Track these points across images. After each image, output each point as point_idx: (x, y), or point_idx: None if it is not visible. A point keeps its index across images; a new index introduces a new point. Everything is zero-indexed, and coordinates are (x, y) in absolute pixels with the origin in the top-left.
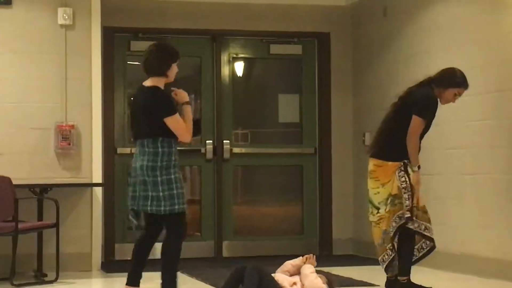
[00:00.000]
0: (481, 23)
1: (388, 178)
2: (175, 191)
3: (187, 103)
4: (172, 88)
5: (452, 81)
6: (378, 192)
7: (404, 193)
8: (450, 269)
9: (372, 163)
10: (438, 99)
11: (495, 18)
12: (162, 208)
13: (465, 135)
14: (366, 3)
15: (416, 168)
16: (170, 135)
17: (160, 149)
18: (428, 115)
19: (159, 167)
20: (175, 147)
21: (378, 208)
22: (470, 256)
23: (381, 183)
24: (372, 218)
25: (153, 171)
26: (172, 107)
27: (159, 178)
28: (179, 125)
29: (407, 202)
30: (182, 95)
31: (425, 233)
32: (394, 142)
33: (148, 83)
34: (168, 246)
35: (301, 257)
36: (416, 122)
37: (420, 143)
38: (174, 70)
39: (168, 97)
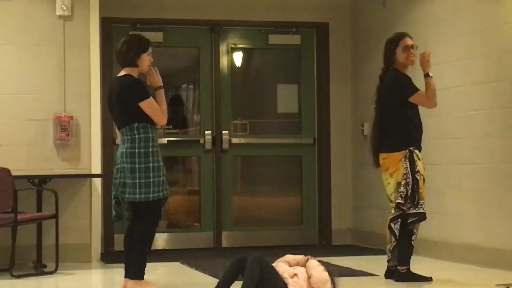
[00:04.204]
0: (480, 13)
1: (395, 167)
2: (151, 180)
3: (160, 87)
4: (152, 67)
5: (390, 45)
6: (389, 183)
7: (403, 179)
8: (449, 258)
9: (381, 158)
10: (406, 70)
11: (494, 8)
12: (137, 196)
13: (463, 125)
14: None
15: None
16: (145, 120)
17: (136, 136)
18: (413, 86)
19: (137, 153)
20: (154, 132)
21: (391, 201)
22: (469, 245)
23: (389, 173)
24: (390, 210)
25: (132, 157)
26: (145, 92)
27: (137, 165)
28: (154, 108)
29: (401, 188)
30: (155, 79)
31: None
32: (393, 133)
33: (121, 74)
34: (137, 233)
35: (303, 255)
36: (418, 98)
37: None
38: (145, 60)
39: (140, 83)
